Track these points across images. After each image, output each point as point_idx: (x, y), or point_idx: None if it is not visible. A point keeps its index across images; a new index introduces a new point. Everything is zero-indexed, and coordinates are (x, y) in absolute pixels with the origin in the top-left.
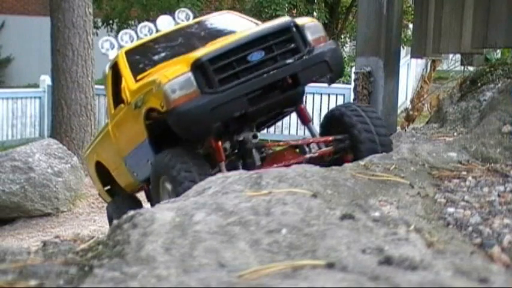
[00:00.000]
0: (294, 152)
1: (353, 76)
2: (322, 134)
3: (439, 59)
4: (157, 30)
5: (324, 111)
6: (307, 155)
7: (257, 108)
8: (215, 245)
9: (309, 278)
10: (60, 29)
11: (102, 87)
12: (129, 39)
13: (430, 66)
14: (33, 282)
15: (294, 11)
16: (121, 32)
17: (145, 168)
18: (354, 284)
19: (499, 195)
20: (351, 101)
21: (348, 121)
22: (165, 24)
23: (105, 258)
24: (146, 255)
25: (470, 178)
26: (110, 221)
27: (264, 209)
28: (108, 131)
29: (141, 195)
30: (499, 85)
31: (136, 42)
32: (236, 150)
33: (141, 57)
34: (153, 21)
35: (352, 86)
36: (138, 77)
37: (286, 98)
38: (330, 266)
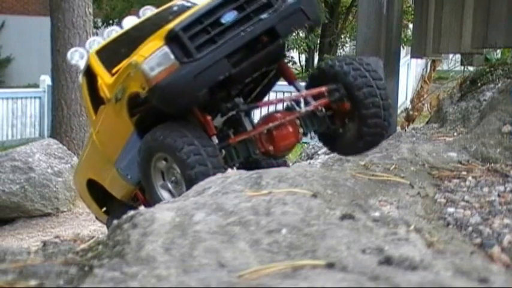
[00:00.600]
0: (286, 111)
1: None
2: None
3: (439, 59)
4: None
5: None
6: (303, 110)
7: (240, 69)
8: (215, 245)
9: (309, 278)
10: (60, 29)
11: None
12: (97, 46)
13: (430, 66)
14: (33, 282)
15: None
16: (88, 40)
17: (136, 165)
18: (354, 284)
19: (499, 195)
20: None
21: (340, 70)
22: (132, 23)
23: (105, 258)
24: (146, 255)
25: (470, 178)
26: None
27: (264, 209)
28: (92, 142)
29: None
30: (499, 85)
31: (104, 42)
32: (224, 119)
33: (113, 53)
34: (118, 24)
35: None
36: (113, 71)
37: (268, 54)
38: (330, 266)
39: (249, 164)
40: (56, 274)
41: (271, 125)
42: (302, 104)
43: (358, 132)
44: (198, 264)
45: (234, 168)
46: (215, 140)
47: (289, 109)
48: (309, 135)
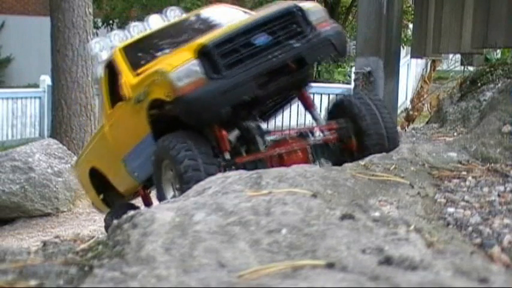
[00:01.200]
0: (297, 138)
1: (353, 76)
2: (328, 120)
3: (439, 59)
4: (148, 30)
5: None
6: (311, 141)
7: (266, 91)
8: (215, 245)
9: (309, 278)
10: (60, 29)
11: None
12: (120, 39)
13: (430, 66)
14: (33, 282)
15: None
16: (111, 33)
17: (147, 166)
18: (354, 284)
19: (499, 195)
20: None
21: (349, 103)
22: (156, 23)
23: (105, 258)
24: (146, 255)
25: (470, 178)
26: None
27: (264, 209)
28: (103, 133)
29: (139, 202)
30: (499, 85)
31: (131, 39)
32: (238, 137)
33: (139, 52)
34: (143, 20)
35: (352, 86)
36: (138, 71)
37: (294, 81)
38: (330, 266)
39: None
40: (56, 274)
41: (283, 149)
42: (316, 133)
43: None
44: (198, 264)
45: None
46: (227, 155)
47: (302, 136)
48: None
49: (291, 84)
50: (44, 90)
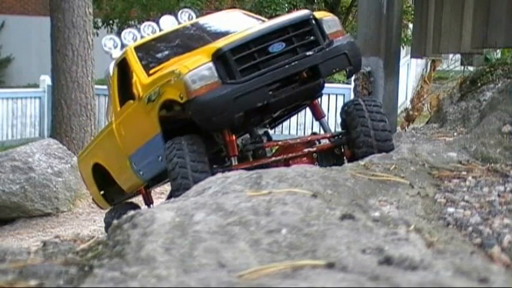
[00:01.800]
0: (302, 145)
1: (353, 76)
2: (341, 123)
3: (439, 59)
4: (160, 30)
5: (324, 112)
6: (312, 149)
7: (278, 99)
8: (215, 245)
9: (309, 278)
10: (60, 29)
11: (102, 87)
12: (132, 38)
13: (430, 66)
14: (33, 282)
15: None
16: (124, 31)
17: (153, 165)
18: (354, 284)
19: (499, 195)
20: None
21: (349, 121)
22: (169, 24)
23: (105, 258)
24: (146, 255)
25: (470, 178)
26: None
27: (264, 209)
28: (110, 130)
29: (140, 201)
30: (499, 85)
31: (144, 39)
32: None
33: (152, 53)
34: (155, 21)
35: (352, 86)
36: (151, 72)
37: (307, 90)
38: (330, 266)
39: None
40: (56, 274)
41: (289, 155)
42: (322, 140)
43: None
44: (198, 264)
45: None
46: (234, 161)
47: (308, 142)
48: None
49: (303, 93)
50: (44, 90)
